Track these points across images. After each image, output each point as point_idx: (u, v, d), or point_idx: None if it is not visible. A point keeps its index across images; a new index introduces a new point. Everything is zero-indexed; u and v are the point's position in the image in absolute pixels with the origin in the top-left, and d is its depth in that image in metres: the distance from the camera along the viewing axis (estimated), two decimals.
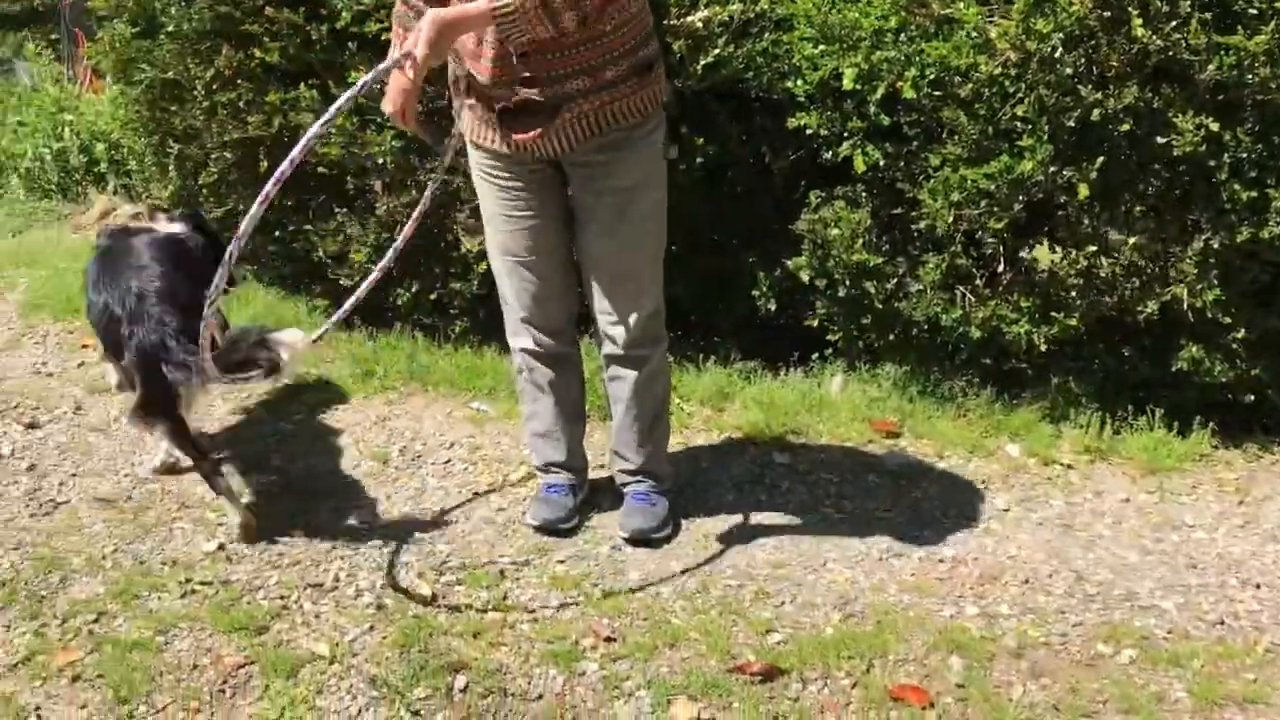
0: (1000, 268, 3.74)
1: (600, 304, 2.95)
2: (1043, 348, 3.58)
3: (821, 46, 3.63)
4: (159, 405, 2.99)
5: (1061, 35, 3.24)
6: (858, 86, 3.55)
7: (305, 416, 3.84)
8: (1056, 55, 3.27)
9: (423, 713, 2.36)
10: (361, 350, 4.20)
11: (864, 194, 3.71)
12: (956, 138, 3.47)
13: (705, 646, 2.59)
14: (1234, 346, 3.43)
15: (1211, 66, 3.16)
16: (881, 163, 3.61)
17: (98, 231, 4.45)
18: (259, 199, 2.39)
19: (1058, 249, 3.69)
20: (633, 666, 2.52)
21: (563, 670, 2.50)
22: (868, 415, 3.70)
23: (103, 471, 3.45)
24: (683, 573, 2.92)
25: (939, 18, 3.48)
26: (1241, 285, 3.42)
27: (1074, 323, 3.52)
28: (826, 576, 2.90)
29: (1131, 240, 3.43)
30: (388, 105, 2.89)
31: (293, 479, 3.41)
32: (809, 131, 3.67)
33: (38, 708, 2.35)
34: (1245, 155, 3.25)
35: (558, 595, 2.81)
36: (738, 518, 3.19)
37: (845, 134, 3.65)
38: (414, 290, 4.27)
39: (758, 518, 3.19)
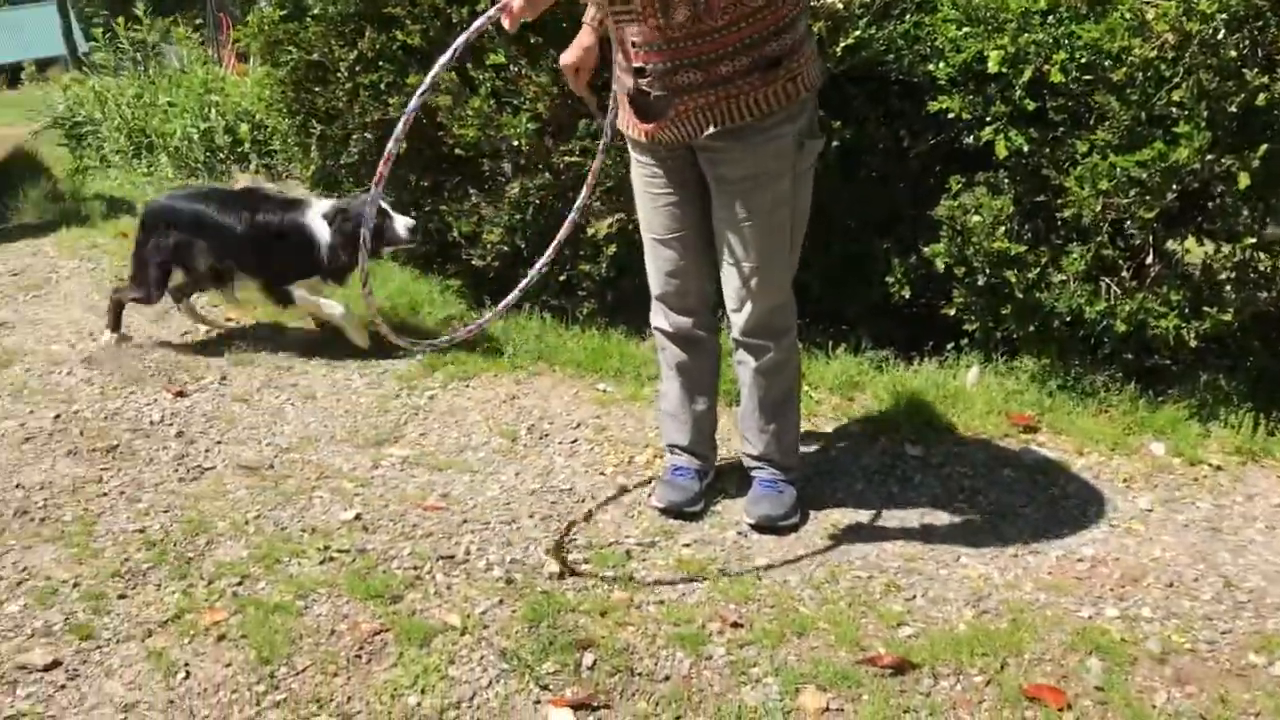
0: (1148, 259, 3.60)
1: (725, 288, 2.93)
2: (1192, 343, 3.43)
3: (965, 29, 3.54)
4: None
5: (1225, 16, 3.09)
6: (1003, 70, 3.45)
7: (438, 392, 3.93)
8: (1219, 37, 3.12)
9: (551, 687, 2.38)
10: (491, 329, 4.27)
11: (1006, 180, 3.61)
12: (1107, 123, 3.34)
13: (834, 637, 2.55)
14: None
15: None
16: (1025, 148, 3.50)
17: None
18: (390, 143, 2.46)
19: (1206, 241, 3.53)
20: (760, 653, 2.50)
21: (689, 653, 2.50)
22: (1004, 409, 3.61)
23: (245, 440, 3.57)
24: (810, 561, 2.89)
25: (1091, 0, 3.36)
26: None
27: (1228, 318, 3.37)
28: (959, 571, 2.84)
29: None
30: (566, 57, 2.91)
31: (425, 452, 3.48)
32: (950, 115, 3.58)
33: (186, 664, 2.45)
34: None
35: (683, 578, 2.81)
36: (868, 509, 3.14)
37: (988, 118, 3.55)
38: (543, 271, 4.30)
39: (888, 509, 3.14)
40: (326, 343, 4.33)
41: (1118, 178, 3.31)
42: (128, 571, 2.80)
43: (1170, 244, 3.63)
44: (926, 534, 3.02)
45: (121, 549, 2.90)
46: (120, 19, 10.05)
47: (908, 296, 3.89)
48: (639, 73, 2.67)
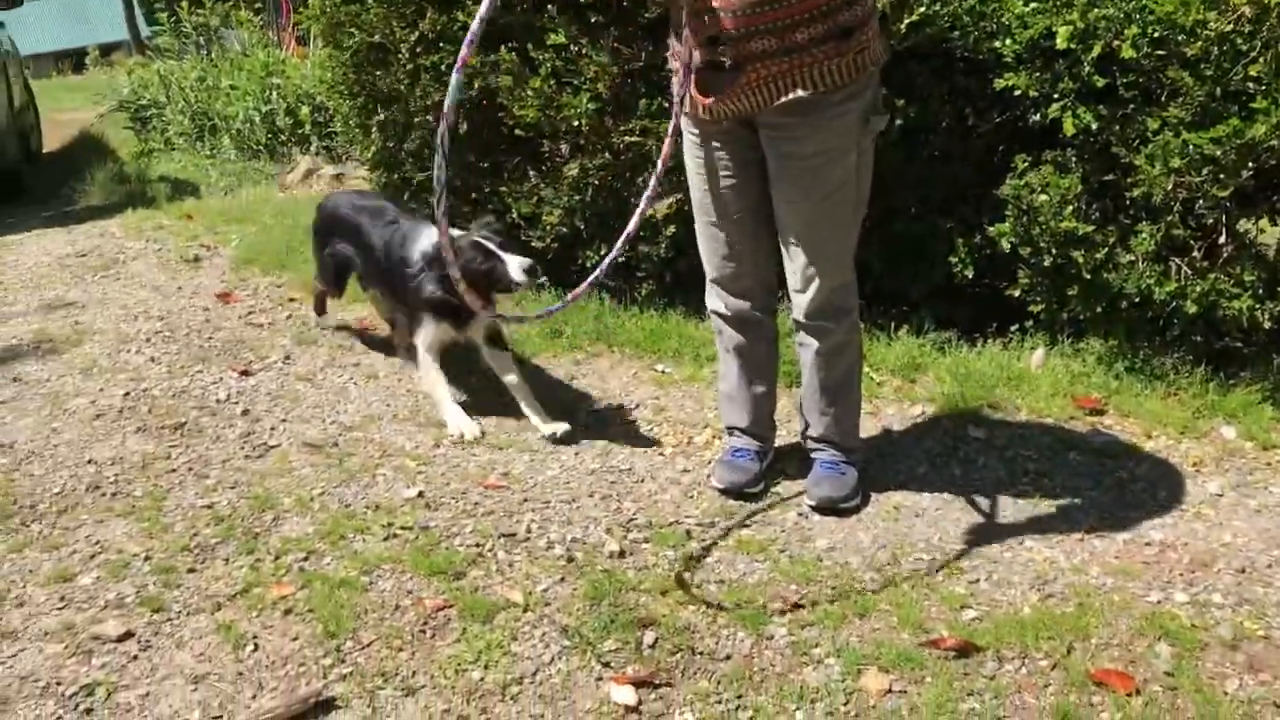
0: (1221, 239, 3.51)
1: (787, 269, 2.91)
2: (1266, 325, 3.36)
3: (1033, 4, 3.48)
4: None
5: None
6: (1071, 46, 3.38)
7: None
8: None
9: (613, 664, 2.39)
10: None
11: (1074, 159, 3.54)
12: (1180, 99, 3.27)
13: (896, 619, 2.54)
14: None
15: None
16: (1094, 126, 3.43)
17: None
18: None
19: None
20: (821, 634, 2.49)
21: (751, 633, 2.49)
22: (1070, 391, 3.55)
23: (310, 418, 3.62)
24: (872, 543, 2.87)
25: None
26: None
27: None
28: (1024, 555, 2.80)
29: None
30: None
31: (486, 432, 3.50)
32: (1016, 93, 3.52)
33: (255, 637, 2.49)
34: None
35: (744, 559, 2.80)
36: (930, 491, 3.11)
37: (1055, 95, 3.48)
38: (602, 252, 4.30)
39: (951, 492, 3.10)
40: (385, 325, 4.37)
41: (1190, 155, 3.24)
42: (197, 546, 2.85)
43: (1244, 223, 3.54)
44: (990, 517, 2.98)
45: (190, 524, 2.96)
46: (183, 3, 10.18)
47: (971, 277, 3.84)
48: (712, 41, 2.64)
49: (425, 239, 3.54)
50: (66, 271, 5.34)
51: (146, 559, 2.79)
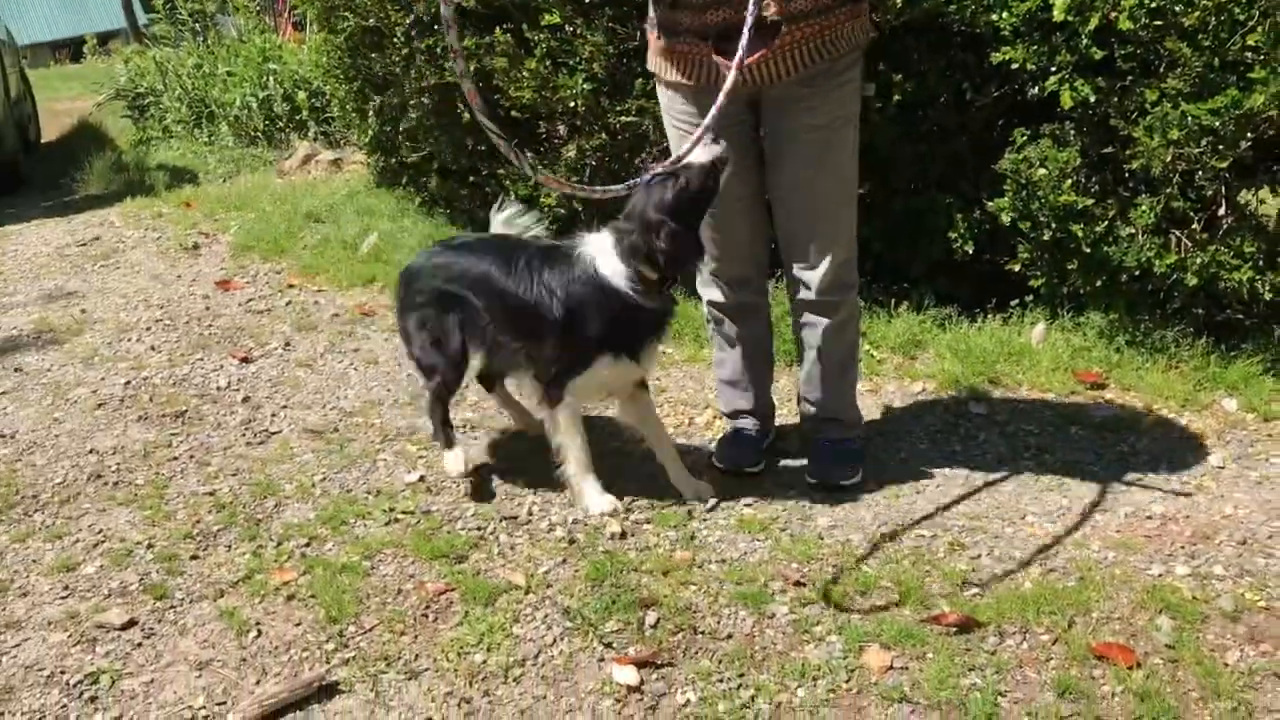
0: (1220, 210, 3.50)
1: (794, 249, 2.89)
2: (1267, 296, 3.34)
3: None
4: None
5: None
6: (1068, 18, 3.36)
7: None
8: None
9: (615, 645, 2.39)
10: None
11: (1072, 132, 3.52)
12: (1178, 70, 3.24)
13: (897, 595, 2.54)
14: None
15: None
16: (1092, 99, 3.41)
17: None
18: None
19: None
20: (823, 612, 2.49)
21: (752, 612, 2.50)
22: (1071, 365, 3.54)
23: (310, 404, 3.62)
24: (873, 520, 2.87)
25: None
26: None
27: None
28: (1025, 529, 2.80)
29: None
30: None
31: (486, 415, 3.50)
32: (1014, 66, 3.50)
33: (258, 623, 2.50)
34: None
35: (745, 538, 2.80)
36: (931, 468, 3.11)
37: (1053, 68, 3.46)
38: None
39: (952, 468, 3.10)
40: (384, 308, 4.37)
41: (1189, 127, 3.22)
42: (199, 533, 2.86)
43: (1243, 195, 3.52)
44: (991, 492, 2.98)
45: (192, 511, 2.97)
46: None
47: (971, 252, 3.83)
48: None
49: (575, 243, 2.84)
50: (66, 261, 5.35)
51: (149, 547, 2.80)
